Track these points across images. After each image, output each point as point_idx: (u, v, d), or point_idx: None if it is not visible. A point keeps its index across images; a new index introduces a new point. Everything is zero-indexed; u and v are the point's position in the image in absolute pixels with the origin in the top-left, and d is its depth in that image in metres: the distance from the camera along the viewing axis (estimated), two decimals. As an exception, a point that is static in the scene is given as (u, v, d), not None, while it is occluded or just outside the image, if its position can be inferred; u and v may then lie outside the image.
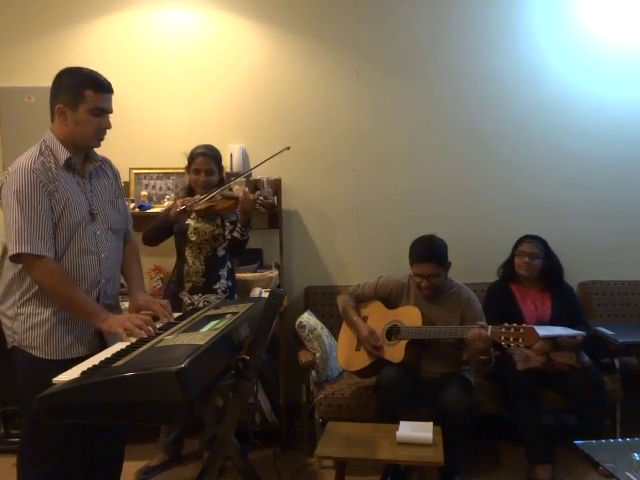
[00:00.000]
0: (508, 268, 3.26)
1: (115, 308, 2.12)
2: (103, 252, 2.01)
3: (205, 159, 2.84)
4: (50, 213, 1.86)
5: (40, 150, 1.91)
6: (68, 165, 1.94)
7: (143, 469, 2.95)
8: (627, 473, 1.73)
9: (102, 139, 1.99)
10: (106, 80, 1.95)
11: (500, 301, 3.16)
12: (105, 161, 2.14)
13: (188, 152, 2.89)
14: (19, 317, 1.92)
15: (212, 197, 2.79)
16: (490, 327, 2.53)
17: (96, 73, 1.95)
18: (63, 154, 1.92)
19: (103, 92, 1.93)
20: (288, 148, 2.92)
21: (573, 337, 2.87)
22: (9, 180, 1.85)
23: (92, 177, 2.04)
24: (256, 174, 3.46)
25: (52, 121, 1.95)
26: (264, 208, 2.86)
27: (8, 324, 1.96)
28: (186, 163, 2.90)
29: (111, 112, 1.98)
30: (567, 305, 3.15)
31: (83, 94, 1.88)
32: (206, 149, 2.87)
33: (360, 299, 3.00)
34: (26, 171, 1.84)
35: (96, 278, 1.99)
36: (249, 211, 2.73)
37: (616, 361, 3.13)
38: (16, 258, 1.84)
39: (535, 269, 3.16)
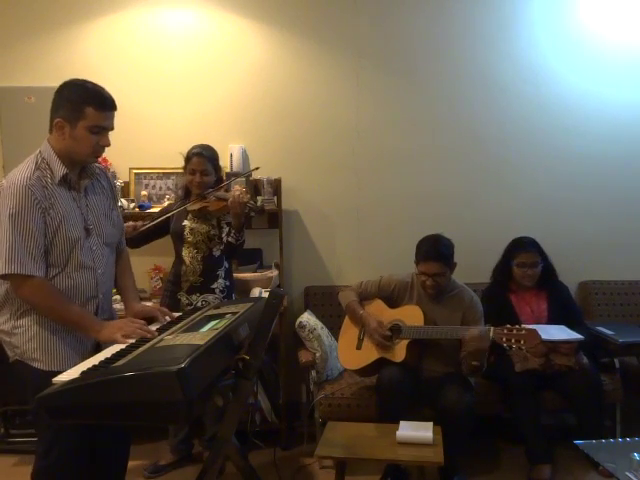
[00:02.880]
0: (503, 273, 3.20)
1: (113, 319, 2.09)
2: (100, 268, 1.99)
3: (200, 160, 2.84)
4: (43, 231, 1.83)
5: (36, 163, 1.87)
6: (64, 180, 1.91)
7: (150, 467, 2.95)
8: (627, 473, 1.73)
9: (99, 156, 1.96)
10: (110, 97, 1.90)
11: (497, 305, 3.12)
12: (101, 172, 2.11)
13: (177, 153, 2.89)
14: (17, 330, 1.89)
15: (205, 198, 2.80)
16: (492, 328, 2.53)
17: (100, 89, 1.90)
18: (60, 170, 1.88)
19: (105, 110, 1.88)
20: (257, 168, 3.09)
21: (571, 342, 2.87)
22: (3, 195, 1.81)
23: (87, 191, 2.01)
24: (256, 174, 3.46)
25: (50, 132, 1.91)
26: (254, 212, 2.86)
27: (6, 339, 1.93)
28: (183, 163, 2.91)
29: (112, 129, 1.94)
30: (563, 305, 3.14)
31: (84, 111, 1.84)
32: (202, 149, 2.86)
33: (362, 296, 2.99)
34: (21, 187, 1.80)
35: (93, 294, 1.98)
36: (240, 214, 2.72)
37: (616, 361, 3.13)
38: (4, 277, 1.82)
39: (537, 276, 3.12)
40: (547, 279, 3.17)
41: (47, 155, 1.89)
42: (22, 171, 1.85)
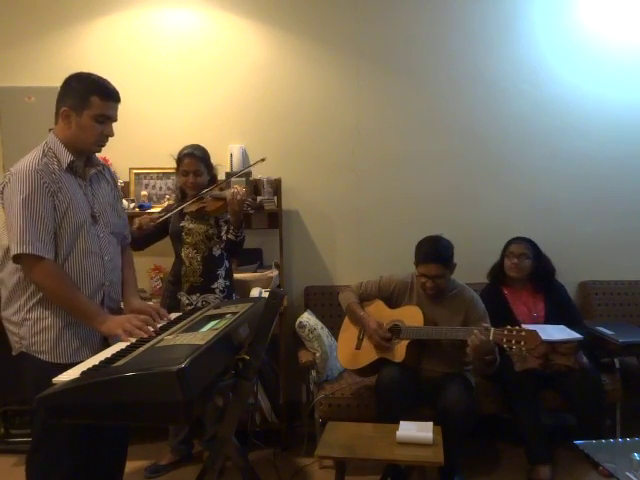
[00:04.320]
0: (498, 271, 3.25)
1: (119, 312, 2.11)
2: (106, 255, 2.02)
3: (192, 160, 2.83)
4: (52, 215, 1.87)
5: (43, 152, 1.92)
6: (70, 168, 1.95)
7: (150, 468, 2.95)
8: (627, 473, 1.73)
9: (103, 145, 2.01)
10: (114, 89, 1.97)
11: (493, 305, 3.11)
12: (105, 166, 2.16)
13: (175, 154, 2.89)
14: (26, 322, 1.91)
15: (202, 198, 2.80)
16: (493, 329, 2.53)
17: (105, 81, 1.96)
18: (66, 157, 1.93)
19: (110, 100, 1.94)
20: (263, 160, 2.92)
21: (571, 342, 2.88)
22: (12, 181, 1.85)
23: (93, 181, 2.06)
24: (256, 174, 3.46)
25: (56, 123, 1.96)
26: (253, 209, 2.86)
27: (14, 330, 1.95)
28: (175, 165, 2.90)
29: (115, 120, 1.99)
30: (561, 305, 3.15)
31: (89, 100, 1.90)
32: (193, 150, 2.85)
33: (363, 297, 2.99)
34: (29, 172, 1.85)
35: (100, 281, 2.00)
36: (238, 212, 2.72)
37: (616, 361, 3.13)
38: (17, 259, 1.85)
39: (525, 270, 3.15)
40: (543, 279, 3.18)
41: (53, 145, 1.94)
42: (30, 159, 1.90)
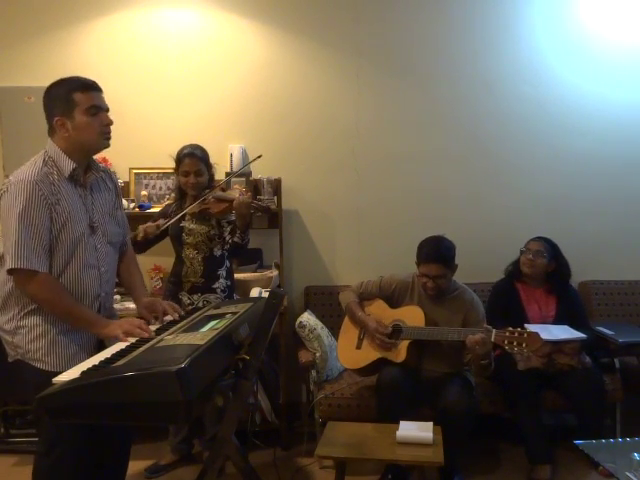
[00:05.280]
0: (515, 267, 3.24)
1: (113, 318, 2.11)
2: (103, 266, 2.02)
3: (193, 160, 2.81)
4: (49, 227, 1.85)
5: (43, 160, 1.90)
6: (71, 176, 1.93)
7: (151, 468, 2.95)
8: (627, 473, 1.74)
9: (109, 137, 1.98)
10: (92, 80, 1.96)
11: (505, 299, 3.16)
12: (106, 171, 2.14)
13: (174, 154, 2.87)
14: (20, 330, 1.91)
15: (204, 199, 2.78)
16: (494, 331, 2.53)
17: (80, 77, 1.95)
18: (68, 165, 1.91)
19: (91, 91, 1.92)
20: (260, 156, 2.92)
21: (574, 341, 2.88)
22: (10, 191, 1.84)
23: (93, 189, 2.04)
24: (256, 174, 3.46)
25: (52, 135, 1.94)
26: (260, 211, 2.83)
27: (8, 339, 1.94)
28: (174, 165, 2.88)
29: (107, 110, 1.97)
30: (571, 309, 3.14)
31: (73, 99, 1.89)
32: (193, 149, 2.83)
33: (363, 297, 2.99)
34: (28, 183, 1.83)
35: (97, 292, 2.00)
36: (246, 215, 2.71)
37: (616, 361, 3.13)
38: (12, 271, 1.84)
39: (539, 268, 3.14)
40: (558, 281, 3.17)
41: (53, 153, 1.92)
42: (29, 168, 1.88)
